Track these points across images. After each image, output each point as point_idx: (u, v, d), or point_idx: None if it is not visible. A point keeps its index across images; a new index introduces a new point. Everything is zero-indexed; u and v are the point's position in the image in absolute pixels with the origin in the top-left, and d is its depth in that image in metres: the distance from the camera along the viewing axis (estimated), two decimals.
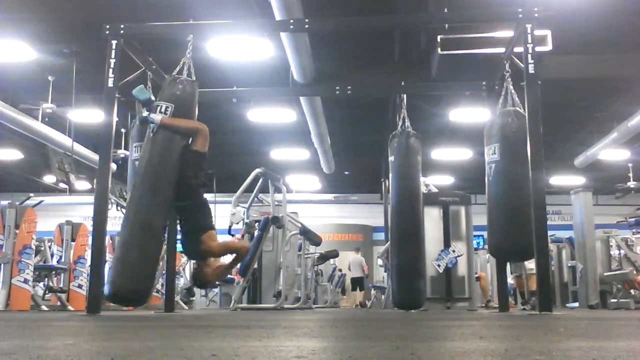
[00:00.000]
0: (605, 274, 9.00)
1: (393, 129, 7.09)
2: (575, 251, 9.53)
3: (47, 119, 11.13)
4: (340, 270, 16.31)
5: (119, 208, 9.57)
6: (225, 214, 9.01)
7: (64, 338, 2.24)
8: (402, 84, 7.44)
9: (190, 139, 4.81)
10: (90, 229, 5.91)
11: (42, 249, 8.70)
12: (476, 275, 9.39)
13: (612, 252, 9.65)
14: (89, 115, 11.23)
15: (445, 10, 6.13)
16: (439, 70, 8.67)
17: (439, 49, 7.85)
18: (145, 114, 4.71)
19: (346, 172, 17.45)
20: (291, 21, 6.35)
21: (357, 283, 16.61)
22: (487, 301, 10.53)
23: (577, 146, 13.99)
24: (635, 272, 9.01)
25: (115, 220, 9.34)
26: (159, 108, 4.80)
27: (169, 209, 4.75)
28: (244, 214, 8.69)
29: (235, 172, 12.12)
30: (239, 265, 8.34)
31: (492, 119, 5.98)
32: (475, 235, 8.97)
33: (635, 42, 8.56)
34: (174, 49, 5.86)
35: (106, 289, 4.58)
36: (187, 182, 4.69)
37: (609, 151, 13.30)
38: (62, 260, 8.18)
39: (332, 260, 13.66)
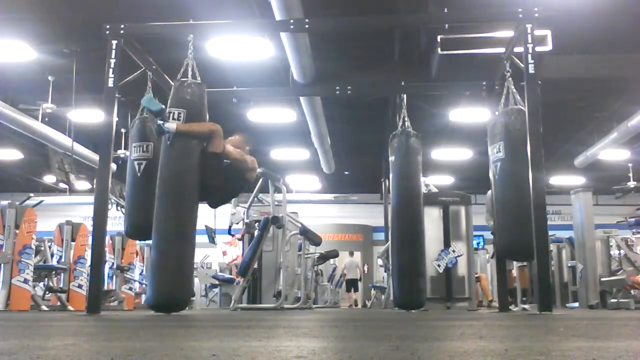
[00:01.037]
0: (603, 279, 8.98)
1: (393, 129, 7.08)
2: (575, 251, 9.52)
3: (47, 119, 11.13)
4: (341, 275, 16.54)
5: (119, 208, 9.56)
6: (225, 214, 9.01)
7: (64, 338, 2.24)
8: (402, 84, 7.44)
9: (205, 142, 4.88)
10: (90, 229, 5.91)
11: (42, 249, 8.70)
12: (476, 276, 9.39)
13: (612, 252, 9.64)
14: (89, 115, 11.23)
15: (445, 10, 6.13)
16: (439, 70, 8.66)
17: (439, 49, 7.84)
18: (159, 123, 4.75)
19: (346, 172, 17.45)
20: (291, 21, 6.35)
21: (352, 284, 16.86)
22: (489, 301, 10.52)
23: (577, 146, 13.99)
24: (636, 272, 9.00)
25: (115, 220, 9.32)
26: (171, 115, 4.82)
27: (196, 212, 4.89)
28: (244, 214, 8.69)
29: None
30: (239, 266, 8.36)
31: (494, 117, 5.97)
32: (475, 235, 8.97)
33: (635, 42, 8.55)
34: (174, 49, 5.87)
35: (148, 298, 4.78)
36: (209, 183, 4.87)
37: (609, 151, 13.30)
38: (62, 260, 8.18)
39: (332, 260, 13.67)
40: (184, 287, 4.77)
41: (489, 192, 6.21)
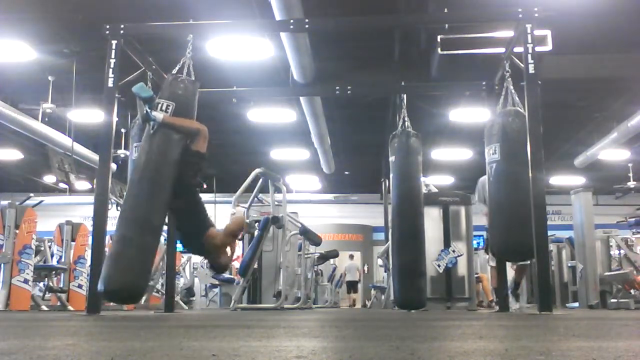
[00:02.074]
0: (606, 273, 8.99)
1: (393, 129, 7.09)
2: (575, 251, 9.52)
3: (47, 119, 11.14)
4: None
5: (119, 208, 9.54)
6: (225, 214, 9.02)
7: (64, 338, 2.24)
8: (402, 84, 7.45)
9: (189, 139, 4.80)
10: (90, 229, 5.91)
11: (42, 249, 8.70)
12: (476, 276, 9.38)
13: (612, 252, 9.65)
14: (89, 115, 11.23)
15: (445, 10, 6.13)
16: (439, 70, 8.67)
17: (439, 49, 7.84)
18: (146, 111, 4.68)
19: (346, 172, 17.46)
20: (291, 21, 6.35)
21: (352, 286, 17.03)
22: (490, 301, 10.51)
23: (577, 146, 13.99)
24: (635, 272, 9.01)
25: (115, 220, 9.27)
26: (159, 106, 4.79)
27: (167, 207, 4.73)
28: (244, 214, 8.69)
29: (235, 172, 12.11)
30: (239, 265, 8.34)
31: (492, 118, 5.97)
32: (475, 235, 8.98)
33: (635, 42, 8.56)
34: (174, 49, 5.86)
35: (100, 286, 4.48)
36: (185, 181, 4.67)
37: (609, 151, 13.30)
38: (62, 260, 8.18)
39: (332, 260, 13.68)
40: (139, 279, 4.52)
41: (482, 178, 6.20)
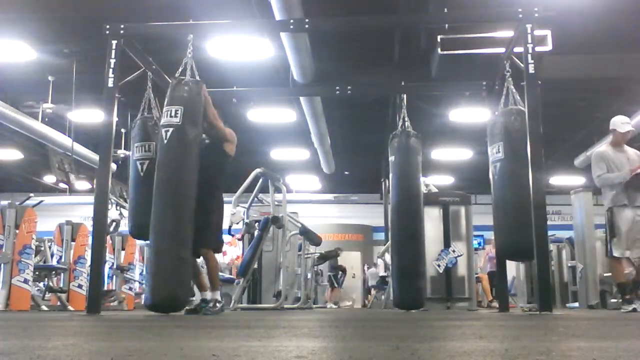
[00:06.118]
0: (606, 274, 8.99)
1: (393, 129, 7.09)
2: (575, 251, 9.53)
3: (47, 119, 11.14)
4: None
5: (118, 208, 9.57)
6: (226, 214, 9.00)
7: (64, 338, 2.24)
8: (402, 84, 7.45)
9: (207, 141, 4.93)
10: (90, 229, 5.91)
11: (42, 249, 8.69)
12: (476, 276, 9.38)
13: None
14: (89, 115, 11.24)
15: (445, 10, 6.13)
16: (439, 70, 8.66)
17: (439, 49, 7.84)
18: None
19: (346, 172, 17.46)
20: (291, 21, 6.35)
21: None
22: (489, 301, 10.52)
23: (577, 146, 13.99)
24: (635, 272, 9.00)
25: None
26: (168, 113, 4.80)
27: (192, 211, 4.89)
28: (244, 214, 8.69)
29: (235, 172, 12.10)
30: (239, 265, 8.34)
31: (494, 117, 5.97)
32: (475, 235, 8.97)
33: (635, 42, 8.56)
34: (174, 49, 5.87)
35: (146, 299, 4.72)
36: (212, 183, 5.01)
37: None
38: (62, 260, 8.18)
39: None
40: (183, 289, 4.73)
41: (600, 149, 6.18)
